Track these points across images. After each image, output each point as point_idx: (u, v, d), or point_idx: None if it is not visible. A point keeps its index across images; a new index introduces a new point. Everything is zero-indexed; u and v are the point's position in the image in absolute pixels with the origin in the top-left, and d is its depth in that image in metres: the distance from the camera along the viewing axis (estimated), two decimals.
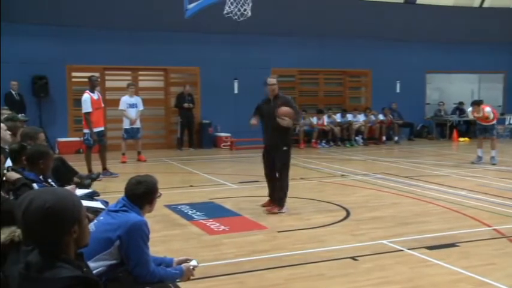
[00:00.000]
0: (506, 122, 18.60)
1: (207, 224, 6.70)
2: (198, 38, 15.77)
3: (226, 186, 9.68)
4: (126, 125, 12.77)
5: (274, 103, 7.49)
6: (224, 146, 16.02)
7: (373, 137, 17.24)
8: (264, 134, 7.68)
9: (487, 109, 12.16)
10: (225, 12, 9.27)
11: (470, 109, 12.65)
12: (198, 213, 7.28)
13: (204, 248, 5.74)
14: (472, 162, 12.21)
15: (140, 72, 16.14)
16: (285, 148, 7.43)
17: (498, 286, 4.57)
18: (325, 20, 16.98)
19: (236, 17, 9.30)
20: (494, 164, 11.89)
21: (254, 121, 7.64)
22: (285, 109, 7.23)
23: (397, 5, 17.99)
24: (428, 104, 19.35)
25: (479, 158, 12.20)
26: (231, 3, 9.21)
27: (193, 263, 3.66)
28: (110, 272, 3.38)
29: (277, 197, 7.48)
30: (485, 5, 19.14)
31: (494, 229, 6.43)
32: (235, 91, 16.63)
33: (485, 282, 4.66)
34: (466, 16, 18.73)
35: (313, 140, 16.33)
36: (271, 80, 7.61)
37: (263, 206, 7.65)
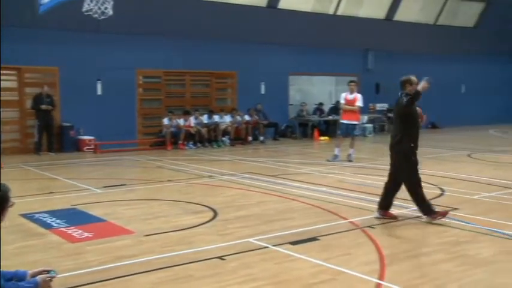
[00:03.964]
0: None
1: (68, 232, 6.36)
2: (56, 36, 14.92)
3: (90, 191, 9.26)
4: None
5: None
6: (88, 149, 15.34)
7: (239, 137, 17.62)
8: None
9: (359, 95, 12.99)
10: (85, 9, 8.87)
11: (343, 94, 13.29)
12: (58, 221, 6.88)
13: (65, 257, 5.43)
14: (328, 160, 12.97)
15: None
16: None
17: (353, 274, 4.90)
18: (191, 22, 17.02)
19: (96, 15, 8.94)
20: (350, 161, 12.75)
21: None
22: None
23: (260, 9, 18.58)
24: (291, 104, 20.23)
25: (336, 156, 13.00)
26: (91, 1, 8.83)
27: (51, 274, 3.44)
28: None
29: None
30: (339, 12, 20.49)
31: (350, 221, 6.89)
32: (99, 92, 16.01)
33: (343, 272, 4.97)
34: (323, 22, 19.91)
35: (180, 142, 16.26)
36: None
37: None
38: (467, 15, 24.34)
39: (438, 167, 11.88)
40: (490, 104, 24.49)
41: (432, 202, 8.02)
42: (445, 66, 23.68)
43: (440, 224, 6.75)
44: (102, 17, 8.92)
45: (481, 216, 6.97)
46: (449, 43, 23.62)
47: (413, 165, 6.91)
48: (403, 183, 7.00)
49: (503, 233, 6.30)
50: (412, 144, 6.90)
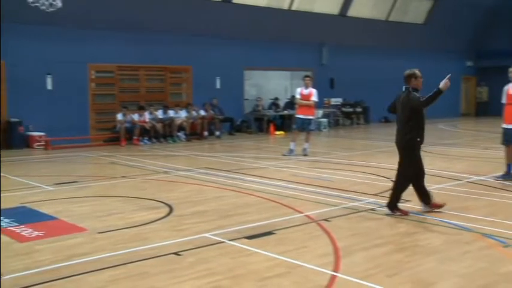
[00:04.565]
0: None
1: (17, 231, 6.16)
2: (2, 29, 14.35)
3: (40, 188, 9.00)
4: None
5: None
6: (38, 145, 14.90)
7: (195, 132, 17.50)
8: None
9: (314, 89, 13.10)
10: (31, 1, 8.56)
11: (298, 89, 13.35)
12: (6, 220, 6.64)
13: (13, 257, 5.25)
14: (284, 155, 13.07)
15: None
16: None
17: (309, 267, 4.96)
18: (145, 16, 16.76)
19: (44, 7, 8.65)
20: (306, 155, 12.88)
21: None
22: None
23: (216, 3, 18.47)
24: (247, 99, 20.24)
25: (291, 150, 13.10)
26: None
27: None
28: None
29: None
30: (293, 7, 20.62)
31: (305, 215, 6.96)
32: (49, 87, 15.55)
33: (298, 265, 5.02)
34: (278, 17, 20.00)
35: (135, 137, 16.02)
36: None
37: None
38: (417, 12, 24.94)
39: (390, 160, 12.12)
40: (440, 99, 25.20)
41: (385, 195, 8.22)
42: (397, 62, 24.13)
43: (392, 216, 6.91)
44: (51, 9, 8.64)
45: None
46: (401, 39, 24.17)
47: (416, 159, 6.96)
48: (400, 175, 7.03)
49: (451, 223, 6.50)
50: (419, 139, 6.94)
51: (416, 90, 6.92)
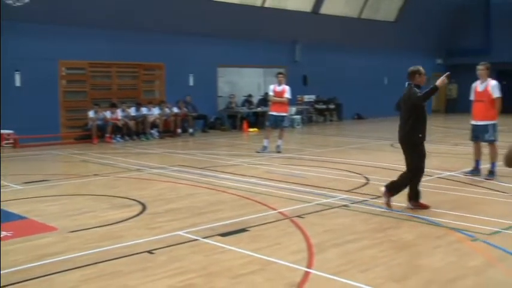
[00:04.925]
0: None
1: None
2: None
3: (9, 187, 8.81)
4: None
5: None
6: (7, 144, 14.58)
7: (168, 129, 17.39)
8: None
9: (287, 86, 13.13)
10: None
11: (272, 86, 13.37)
12: None
13: None
14: (257, 152, 13.08)
15: None
16: None
17: (282, 263, 4.97)
18: (117, 12, 16.55)
19: (11, 1, 8.46)
20: (279, 152, 12.91)
21: None
22: None
23: (188, 0, 18.32)
24: (220, 96, 20.18)
25: (265, 147, 13.12)
26: None
27: None
28: None
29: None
30: (266, 5, 20.64)
31: (279, 212, 6.98)
32: (17, 84, 15.23)
33: (272, 261, 5.03)
34: (251, 14, 19.99)
35: (107, 135, 15.83)
36: None
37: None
38: (388, 10, 25.23)
39: (363, 156, 12.29)
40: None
41: (358, 191, 8.30)
42: (369, 59, 24.50)
43: (365, 212, 6.99)
44: (18, 4, 8.45)
45: (403, 203, 7.25)
46: (373, 36, 24.42)
47: (420, 154, 7.01)
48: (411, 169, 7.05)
49: (422, 218, 6.61)
50: (421, 135, 6.99)
51: (418, 86, 6.99)
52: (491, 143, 9.40)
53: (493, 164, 9.32)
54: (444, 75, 6.82)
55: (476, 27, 27.22)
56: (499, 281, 4.68)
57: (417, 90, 6.93)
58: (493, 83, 9.36)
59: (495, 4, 26.85)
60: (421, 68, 7.12)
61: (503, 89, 9.68)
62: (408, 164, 7.09)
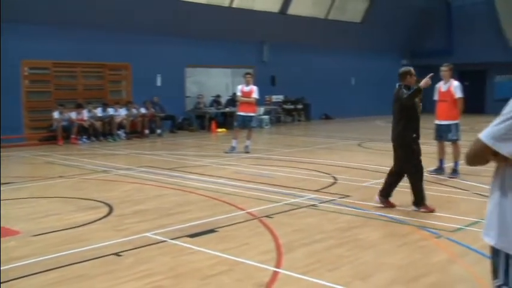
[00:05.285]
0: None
1: None
2: None
3: None
4: None
5: None
6: None
7: (135, 130, 17.19)
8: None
9: (255, 87, 13.16)
10: None
11: (239, 87, 13.35)
12: None
13: None
14: (226, 152, 13.07)
15: None
16: None
17: (251, 263, 4.98)
18: (82, 11, 16.26)
19: None
20: (247, 152, 12.92)
21: None
22: None
23: None
24: (188, 97, 20.07)
25: (233, 148, 13.11)
26: None
27: None
28: None
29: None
30: (234, 5, 20.63)
31: (247, 212, 6.99)
32: None
33: (240, 262, 5.04)
34: (219, 14, 19.93)
35: (73, 136, 15.55)
36: None
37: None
38: (354, 11, 25.53)
39: (331, 156, 12.41)
40: (377, 96, 25.93)
41: (326, 191, 8.37)
42: (337, 59, 24.73)
43: (333, 212, 7.06)
44: None
45: (370, 202, 7.36)
46: (340, 37, 24.66)
47: (415, 155, 7.02)
48: (405, 174, 7.08)
49: (390, 217, 6.72)
50: (414, 135, 7.02)
51: (408, 87, 7.06)
52: (455, 142, 9.63)
53: (456, 163, 9.55)
54: (428, 77, 6.95)
55: (439, 29, 27.80)
56: (460, 277, 4.80)
57: (405, 91, 7.00)
58: (455, 84, 9.59)
59: (457, 7, 27.48)
60: (411, 69, 7.23)
61: (465, 89, 9.94)
62: (406, 167, 7.07)
